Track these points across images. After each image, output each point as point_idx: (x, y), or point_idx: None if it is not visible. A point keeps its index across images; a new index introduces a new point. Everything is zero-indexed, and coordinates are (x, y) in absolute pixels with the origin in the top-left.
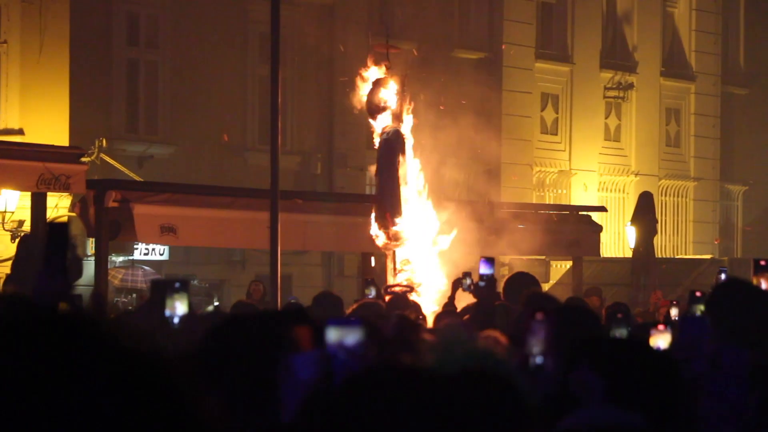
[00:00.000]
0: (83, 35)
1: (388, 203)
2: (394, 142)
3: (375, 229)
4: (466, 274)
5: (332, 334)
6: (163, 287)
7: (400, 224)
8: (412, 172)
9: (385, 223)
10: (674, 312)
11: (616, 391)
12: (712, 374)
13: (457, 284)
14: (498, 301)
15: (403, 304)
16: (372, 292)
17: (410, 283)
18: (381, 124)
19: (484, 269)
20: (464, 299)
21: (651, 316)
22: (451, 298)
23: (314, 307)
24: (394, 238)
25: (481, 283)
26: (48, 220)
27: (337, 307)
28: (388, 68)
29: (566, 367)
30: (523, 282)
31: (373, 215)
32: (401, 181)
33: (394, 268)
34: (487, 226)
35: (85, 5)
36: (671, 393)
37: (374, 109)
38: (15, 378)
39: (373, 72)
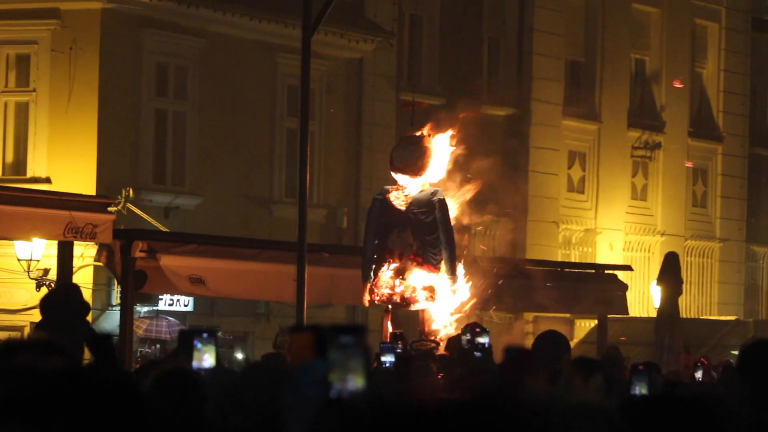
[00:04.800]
0: (112, 85)
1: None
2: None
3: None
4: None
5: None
6: (190, 337)
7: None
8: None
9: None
10: (699, 374)
11: None
12: None
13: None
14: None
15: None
16: (399, 347)
17: (437, 338)
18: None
19: (480, 339)
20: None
21: (681, 378)
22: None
23: None
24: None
25: (477, 354)
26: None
27: None
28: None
29: None
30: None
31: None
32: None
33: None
34: (511, 284)
35: (114, 55)
36: None
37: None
38: None
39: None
